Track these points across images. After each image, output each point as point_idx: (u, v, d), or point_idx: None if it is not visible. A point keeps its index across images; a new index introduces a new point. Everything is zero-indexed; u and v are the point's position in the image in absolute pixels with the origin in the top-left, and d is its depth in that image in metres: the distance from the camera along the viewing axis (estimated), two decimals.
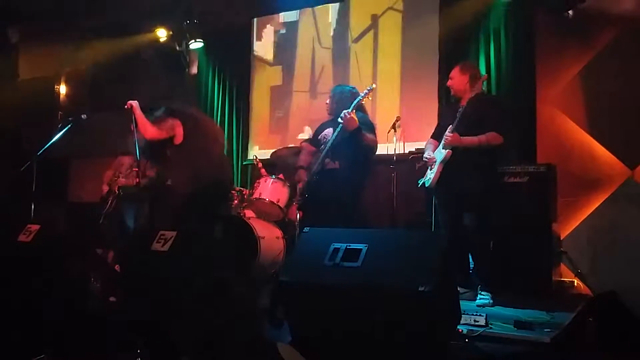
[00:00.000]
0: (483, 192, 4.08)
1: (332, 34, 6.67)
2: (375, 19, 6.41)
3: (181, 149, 4.45)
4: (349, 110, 4.20)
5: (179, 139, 4.47)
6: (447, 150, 4.08)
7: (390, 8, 6.29)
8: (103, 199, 5.61)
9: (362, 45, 6.44)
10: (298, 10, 6.91)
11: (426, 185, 4.26)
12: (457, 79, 4.27)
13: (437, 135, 4.40)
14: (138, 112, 4.41)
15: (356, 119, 4.19)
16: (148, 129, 4.42)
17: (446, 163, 4.11)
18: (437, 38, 5.83)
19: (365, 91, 4.37)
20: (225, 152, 4.91)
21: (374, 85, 4.42)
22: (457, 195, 4.10)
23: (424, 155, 4.32)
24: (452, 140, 4.06)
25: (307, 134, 6.62)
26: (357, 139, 4.22)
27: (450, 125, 4.12)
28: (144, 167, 5.31)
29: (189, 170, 4.41)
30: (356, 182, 4.34)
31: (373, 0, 6.46)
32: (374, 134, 4.40)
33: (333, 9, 6.67)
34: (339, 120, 4.20)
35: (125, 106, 4.44)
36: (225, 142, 6.99)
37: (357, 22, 6.51)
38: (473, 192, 4.04)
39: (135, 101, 4.46)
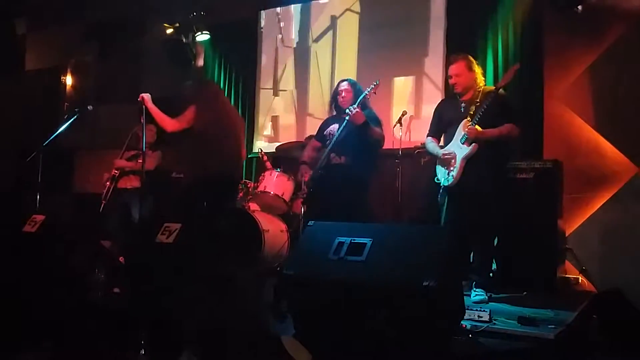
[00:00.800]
0: (499, 190, 4.03)
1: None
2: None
3: (195, 136, 4.32)
4: (355, 105, 4.19)
5: (194, 124, 4.33)
6: (473, 145, 3.93)
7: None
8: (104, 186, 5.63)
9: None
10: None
11: (446, 184, 4.08)
12: (465, 76, 4.12)
13: (436, 132, 4.32)
14: (150, 105, 4.32)
15: (362, 113, 4.18)
16: (167, 122, 4.30)
17: (468, 159, 3.96)
18: (442, 33, 5.82)
19: (371, 86, 4.36)
20: (241, 144, 4.72)
21: (378, 81, 4.40)
22: (475, 193, 3.96)
23: (441, 152, 4.14)
24: (476, 133, 3.92)
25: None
26: (364, 134, 4.21)
27: (465, 120, 4.01)
28: (149, 158, 5.32)
29: (198, 160, 4.31)
30: (361, 177, 4.34)
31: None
32: (381, 128, 4.40)
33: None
34: (346, 116, 4.20)
35: (138, 99, 4.35)
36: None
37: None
38: (492, 189, 3.97)
39: (147, 94, 4.36)
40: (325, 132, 4.53)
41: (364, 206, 4.35)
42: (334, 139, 4.33)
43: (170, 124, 4.30)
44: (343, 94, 4.46)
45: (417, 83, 5.99)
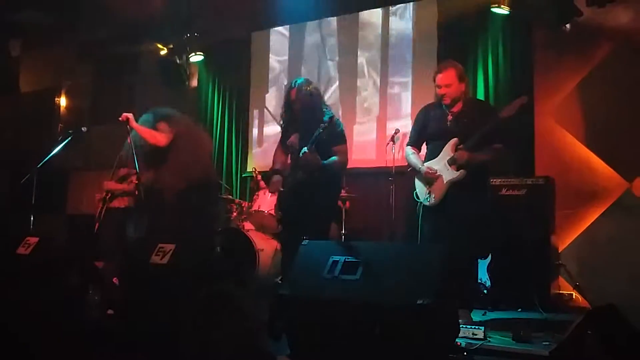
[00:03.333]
0: (482, 212, 3.83)
1: None
2: None
3: (170, 152, 4.42)
4: (306, 148, 3.73)
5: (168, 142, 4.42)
6: (461, 171, 3.69)
7: None
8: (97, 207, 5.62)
9: None
10: None
11: (425, 204, 3.83)
12: (456, 87, 3.79)
13: (417, 142, 4.02)
14: (135, 125, 4.36)
15: (316, 157, 3.78)
16: (157, 137, 4.38)
17: (453, 183, 3.72)
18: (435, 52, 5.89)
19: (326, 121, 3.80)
20: (213, 160, 4.84)
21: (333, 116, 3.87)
22: (458, 216, 3.71)
23: (424, 169, 3.84)
24: (467, 159, 3.68)
25: None
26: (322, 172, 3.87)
27: (455, 140, 3.75)
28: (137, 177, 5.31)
29: (177, 175, 4.38)
30: (330, 191, 4.08)
31: None
32: (345, 142, 3.98)
33: None
34: (300, 159, 3.79)
35: (120, 119, 4.35)
36: (223, 152, 7.05)
37: None
38: (475, 212, 3.73)
39: (130, 114, 4.37)
40: (287, 143, 4.04)
41: (329, 217, 4.19)
42: (295, 172, 3.93)
43: (160, 138, 4.38)
44: (296, 104, 3.96)
45: None
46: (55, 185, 7.34)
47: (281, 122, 4.26)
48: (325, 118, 3.87)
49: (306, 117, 3.92)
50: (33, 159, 5.39)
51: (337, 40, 6.59)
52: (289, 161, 4.08)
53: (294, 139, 3.97)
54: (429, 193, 3.81)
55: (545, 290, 4.54)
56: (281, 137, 4.21)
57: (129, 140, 4.40)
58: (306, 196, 3.84)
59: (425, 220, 3.86)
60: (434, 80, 3.87)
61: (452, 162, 3.74)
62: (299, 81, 4.04)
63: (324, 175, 3.88)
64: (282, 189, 4.04)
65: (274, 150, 4.26)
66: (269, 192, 4.38)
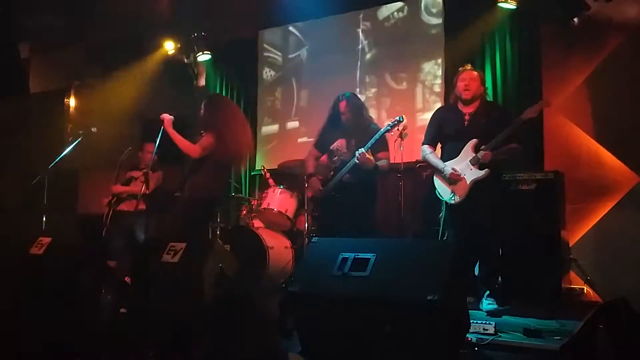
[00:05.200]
0: (500, 204, 4.10)
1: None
2: None
3: (208, 162, 4.25)
4: (364, 149, 4.13)
5: (213, 152, 4.25)
6: (486, 170, 3.96)
7: None
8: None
9: None
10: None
11: (450, 202, 4.11)
12: (477, 86, 4.11)
13: (433, 141, 4.28)
14: (171, 130, 4.22)
15: (371, 159, 4.16)
16: (191, 149, 4.19)
17: (477, 181, 4.00)
18: (442, 48, 5.88)
19: (394, 122, 4.24)
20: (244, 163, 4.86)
21: (402, 118, 4.25)
22: (482, 210, 4.00)
23: (446, 168, 4.09)
24: (490, 158, 3.96)
25: None
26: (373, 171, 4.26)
27: (475, 140, 4.01)
28: (153, 177, 5.35)
29: (205, 184, 4.26)
30: (371, 191, 4.43)
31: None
32: (387, 149, 4.36)
33: None
34: (355, 159, 4.18)
35: (161, 117, 4.26)
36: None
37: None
38: (497, 204, 4.05)
39: (170, 116, 4.26)
40: (332, 147, 4.45)
41: (373, 218, 4.47)
42: (344, 171, 4.30)
43: (194, 150, 4.20)
44: (346, 115, 4.38)
45: None
46: (66, 185, 7.40)
47: (321, 131, 4.61)
48: (372, 126, 4.35)
49: (355, 125, 4.34)
50: (44, 159, 5.44)
51: (345, 37, 6.59)
52: (322, 164, 4.51)
53: (339, 144, 4.38)
54: (453, 192, 4.06)
55: (557, 285, 4.53)
56: (316, 143, 4.61)
57: (157, 141, 4.34)
58: (356, 195, 4.25)
59: (450, 217, 4.16)
60: (456, 81, 4.16)
61: (475, 162, 3.98)
62: (347, 94, 4.45)
63: (368, 176, 4.27)
64: (321, 189, 4.44)
65: (306, 155, 4.72)
66: (309, 192, 4.72)
